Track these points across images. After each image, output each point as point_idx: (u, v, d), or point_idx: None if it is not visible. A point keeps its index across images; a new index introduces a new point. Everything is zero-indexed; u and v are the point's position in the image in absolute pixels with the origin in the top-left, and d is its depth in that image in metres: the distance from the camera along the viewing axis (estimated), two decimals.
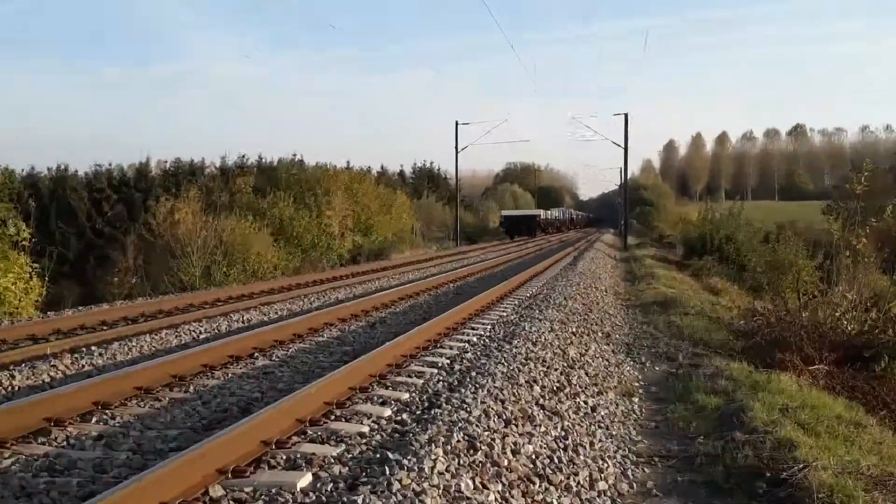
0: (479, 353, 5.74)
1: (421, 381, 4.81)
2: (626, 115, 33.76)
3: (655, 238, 46.32)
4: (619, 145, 34.28)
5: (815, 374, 6.59)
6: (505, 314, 8.22)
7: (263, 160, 38.48)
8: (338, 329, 7.47)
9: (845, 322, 7.63)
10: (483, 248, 28.23)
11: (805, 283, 9.25)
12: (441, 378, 4.88)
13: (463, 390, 4.42)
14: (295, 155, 39.63)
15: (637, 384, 6.15)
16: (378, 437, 3.63)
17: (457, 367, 5.18)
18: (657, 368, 6.79)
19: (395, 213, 28.03)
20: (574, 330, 7.62)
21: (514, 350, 5.75)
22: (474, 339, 6.45)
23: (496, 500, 3.01)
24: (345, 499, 2.75)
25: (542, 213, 50.69)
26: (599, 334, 8.05)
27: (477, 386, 4.48)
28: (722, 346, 7.79)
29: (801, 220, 39.38)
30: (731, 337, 8.34)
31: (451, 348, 6.00)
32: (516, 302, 9.49)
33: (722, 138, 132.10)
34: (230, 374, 5.31)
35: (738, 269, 19.63)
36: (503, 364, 5.17)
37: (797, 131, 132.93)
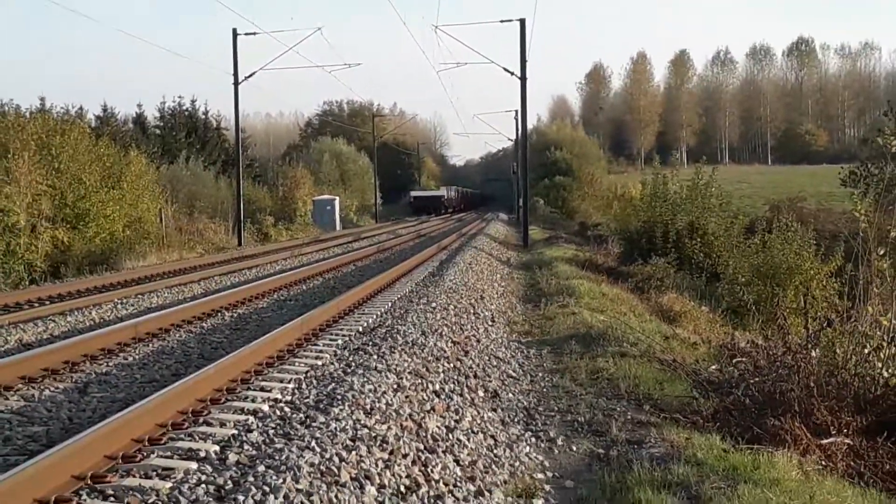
0: (272, 431, 5.92)
1: (168, 486, 4.75)
2: (521, 22, 32.12)
3: (575, 229, 48.02)
4: (513, 73, 32.38)
5: (831, 452, 6.75)
6: (321, 362, 8.44)
7: None
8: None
9: (879, 365, 7.74)
10: (289, 248, 28.96)
11: (816, 300, 9.28)
12: (205, 479, 4.88)
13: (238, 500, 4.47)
14: None
15: (542, 477, 6.33)
16: None
17: (233, 457, 5.31)
18: (575, 449, 7.04)
19: (128, 188, 26.67)
20: (437, 388, 7.84)
21: (334, 424, 5.95)
22: (265, 407, 6.63)
23: None
24: None
25: (444, 192, 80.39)
26: (481, 393, 8.32)
27: (265, 492, 4.57)
28: (681, 407, 8.05)
29: (810, 195, 41.02)
30: (695, 393, 8.54)
31: (223, 425, 6.15)
32: (340, 341, 9.76)
33: (679, 62, 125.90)
34: None
35: (709, 279, 20.02)
36: (313, 450, 5.33)
37: (801, 50, 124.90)
